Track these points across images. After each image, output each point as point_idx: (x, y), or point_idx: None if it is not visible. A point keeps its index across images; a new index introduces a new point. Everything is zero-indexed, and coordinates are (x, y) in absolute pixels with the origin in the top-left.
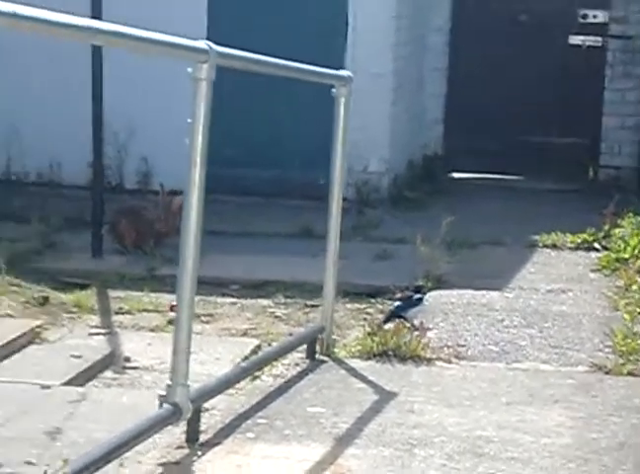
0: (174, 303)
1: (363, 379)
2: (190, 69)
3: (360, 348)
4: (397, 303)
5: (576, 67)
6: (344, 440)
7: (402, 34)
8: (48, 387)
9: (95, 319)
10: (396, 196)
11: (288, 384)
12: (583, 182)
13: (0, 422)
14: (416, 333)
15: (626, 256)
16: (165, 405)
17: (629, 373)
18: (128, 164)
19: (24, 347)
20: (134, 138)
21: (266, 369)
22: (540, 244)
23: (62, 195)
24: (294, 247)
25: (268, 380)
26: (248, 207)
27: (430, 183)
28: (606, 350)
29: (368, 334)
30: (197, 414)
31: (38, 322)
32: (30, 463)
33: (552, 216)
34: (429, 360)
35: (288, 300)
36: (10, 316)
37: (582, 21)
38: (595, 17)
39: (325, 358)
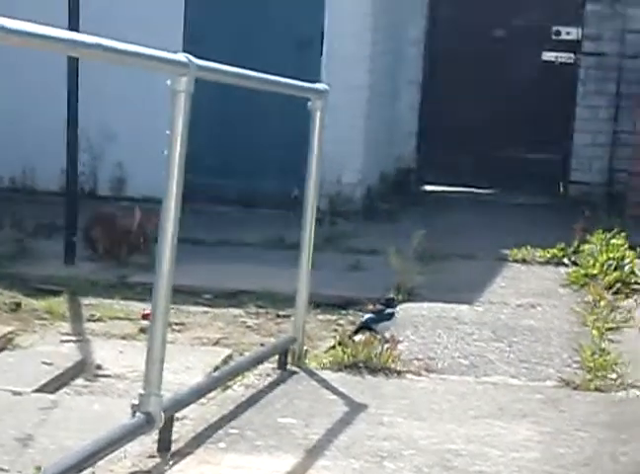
0: (146, 311)
1: (334, 391)
2: (169, 81)
3: (330, 359)
4: (368, 315)
5: (548, 83)
6: (314, 452)
7: (377, 46)
8: (20, 394)
9: (66, 326)
10: (369, 207)
11: (260, 394)
12: (553, 197)
13: None
14: (386, 345)
15: (595, 272)
16: (138, 414)
17: (596, 389)
18: (102, 170)
19: None
20: (109, 144)
21: (237, 379)
22: (510, 258)
23: (35, 200)
24: (267, 257)
25: (239, 390)
26: (222, 217)
27: (403, 195)
28: (575, 365)
29: (339, 345)
30: (169, 423)
31: (9, 328)
32: (1, 469)
33: (523, 231)
34: (399, 373)
35: (260, 310)
36: None
37: (555, 37)
38: (568, 34)
39: (296, 369)
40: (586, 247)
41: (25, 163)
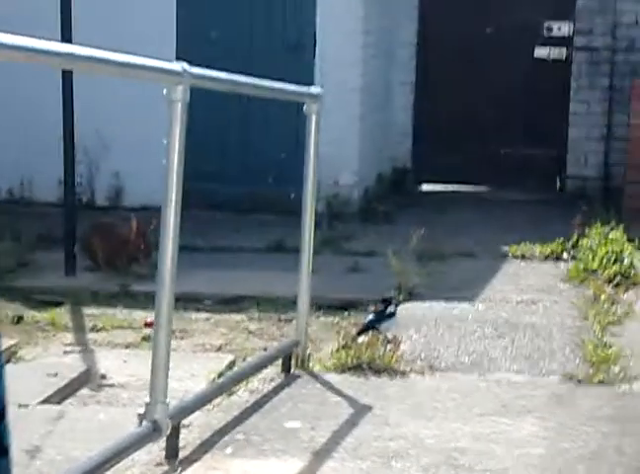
0: (149, 320)
1: (339, 393)
2: (165, 91)
3: (334, 361)
4: (370, 316)
5: (542, 80)
6: (321, 454)
7: (370, 49)
8: (26, 406)
9: (69, 337)
10: (366, 208)
11: (264, 399)
12: (550, 192)
13: None
14: (389, 345)
15: (595, 266)
16: (144, 422)
17: (600, 383)
18: (99, 180)
19: None
20: (105, 154)
21: (241, 385)
22: (510, 255)
23: (34, 212)
24: (267, 261)
25: (244, 396)
26: (220, 222)
27: (399, 195)
28: (577, 360)
29: (342, 347)
30: (175, 430)
31: (12, 341)
32: None
33: (521, 227)
34: (403, 373)
35: (262, 315)
36: None
37: (547, 33)
38: (559, 29)
39: (300, 373)
40: (584, 241)
41: (22, 174)
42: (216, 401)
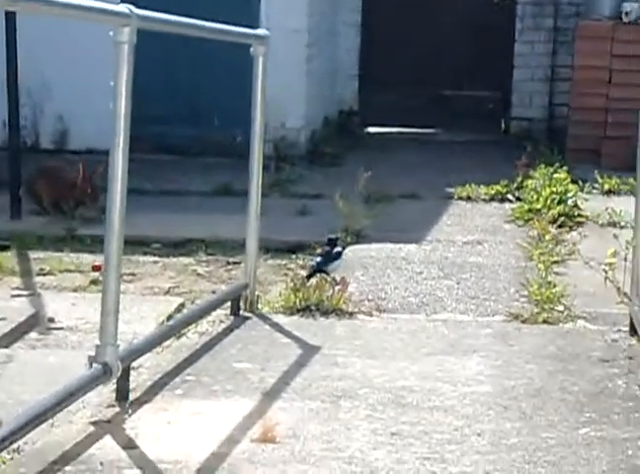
0: (97, 263)
1: (288, 334)
2: (111, 33)
3: (283, 303)
4: (318, 259)
5: (487, 21)
6: (271, 395)
7: None
8: None
9: (16, 281)
10: (313, 151)
11: (214, 341)
12: (495, 134)
13: None
14: (337, 287)
15: (539, 206)
16: (95, 365)
17: (544, 321)
18: (44, 123)
19: None
20: (49, 97)
21: (191, 327)
22: (455, 196)
23: None
24: (214, 205)
25: (193, 338)
26: (167, 166)
27: (346, 138)
28: (522, 299)
29: (292, 289)
30: (125, 373)
31: None
32: None
33: (466, 169)
34: (351, 314)
35: (210, 258)
36: None
37: None
38: None
39: (249, 315)
40: (529, 182)
41: None
42: (166, 343)
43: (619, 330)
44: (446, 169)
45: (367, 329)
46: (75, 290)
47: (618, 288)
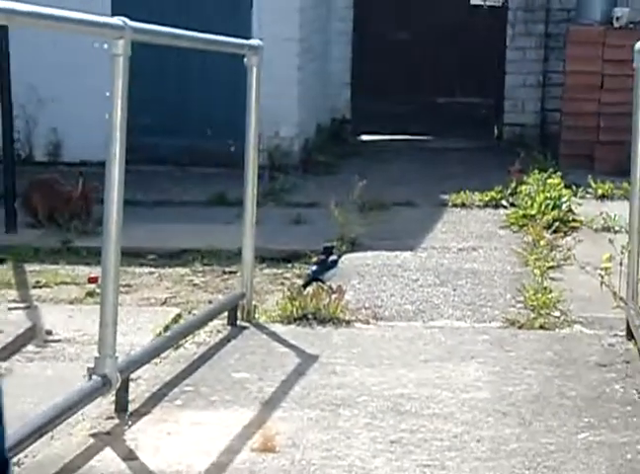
0: (93, 275)
1: (285, 343)
2: (106, 45)
3: (280, 312)
4: (314, 267)
5: (478, 27)
6: (270, 404)
7: None
8: None
9: (13, 293)
10: (307, 160)
11: (212, 351)
12: (488, 140)
13: None
14: (334, 295)
15: (533, 212)
16: (94, 377)
17: (541, 327)
18: (37, 136)
19: None
20: (42, 110)
21: (188, 338)
22: (450, 203)
23: None
24: (209, 214)
25: (191, 348)
26: (161, 176)
27: (339, 146)
28: (518, 305)
29: (289, 298)
30: (124, 384)
31: None
32: None
33: (460, 175)
34: (348, 322)
35: (206, 268)
36: None
37: None
38: None
39: (246, 324)
40: (523, 188)
41: None
42: (164, 354)
43: (616, 334)
44: (440, 176)
45: (365, 337)
46: (72, 302)
47: (614, 293)
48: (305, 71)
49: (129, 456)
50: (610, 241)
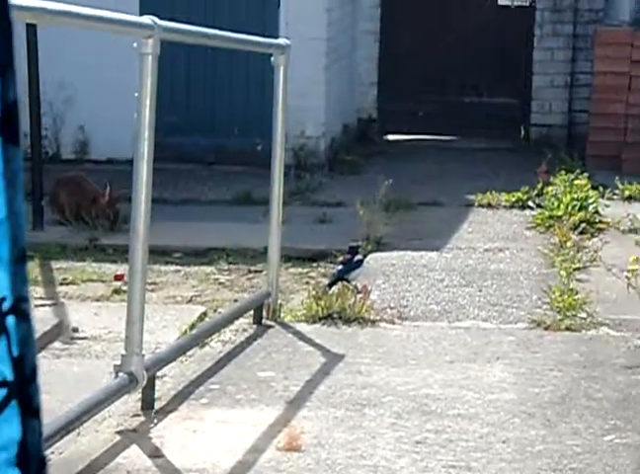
0: (119, 272)
1: (311, 342)
2: (135, 44)
3: (305, 311)
4: (339, 267)
5: (506, 28)
6: (295, 403)
7: None
8: None
9: (40, 291)
10: (333, 159)
11: (237, 350)
12: (515, 140)
13: None
14: (359, 295)
15: (560, 213)
16: (121, 374)
17: (567, 328)
18: (65, 134)
19: None
20: (70, 107)
21: (214, 336)
22: (476, 203)
23: None
24: (235, 213)
25: (217, 347)
26: (187, 175)
27: (366, 146)
28: (545, 306)
29: (313, 298)
30: (151, 382)
31: None
32: None
33: (487, 176)
34: (373, 322)
35: (232, 266)
36: None
37: None
38: None
39: (272, 323)
40: (549, 189)
41: None
42: (190, 352)
43: None
44: (466, 176)
45: (390, 337)
46: (98, 300)
47: None
48: (332, 71)
49: (155, 454)
50: (637, 243)
